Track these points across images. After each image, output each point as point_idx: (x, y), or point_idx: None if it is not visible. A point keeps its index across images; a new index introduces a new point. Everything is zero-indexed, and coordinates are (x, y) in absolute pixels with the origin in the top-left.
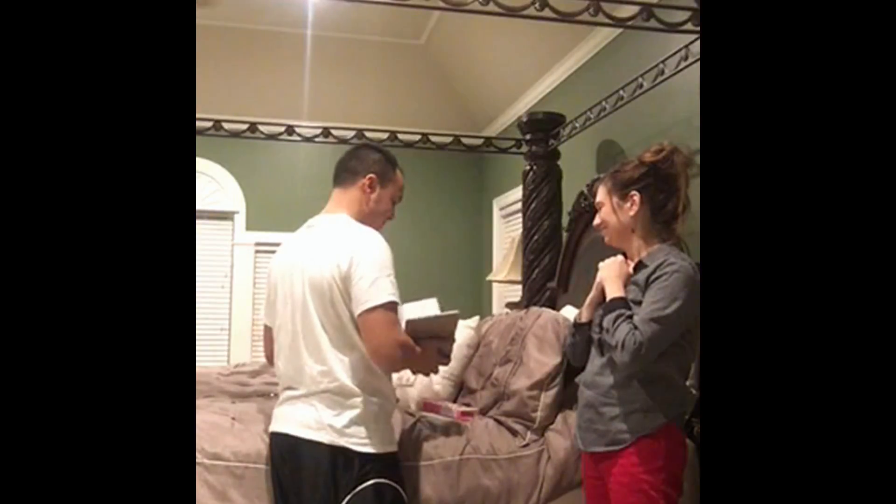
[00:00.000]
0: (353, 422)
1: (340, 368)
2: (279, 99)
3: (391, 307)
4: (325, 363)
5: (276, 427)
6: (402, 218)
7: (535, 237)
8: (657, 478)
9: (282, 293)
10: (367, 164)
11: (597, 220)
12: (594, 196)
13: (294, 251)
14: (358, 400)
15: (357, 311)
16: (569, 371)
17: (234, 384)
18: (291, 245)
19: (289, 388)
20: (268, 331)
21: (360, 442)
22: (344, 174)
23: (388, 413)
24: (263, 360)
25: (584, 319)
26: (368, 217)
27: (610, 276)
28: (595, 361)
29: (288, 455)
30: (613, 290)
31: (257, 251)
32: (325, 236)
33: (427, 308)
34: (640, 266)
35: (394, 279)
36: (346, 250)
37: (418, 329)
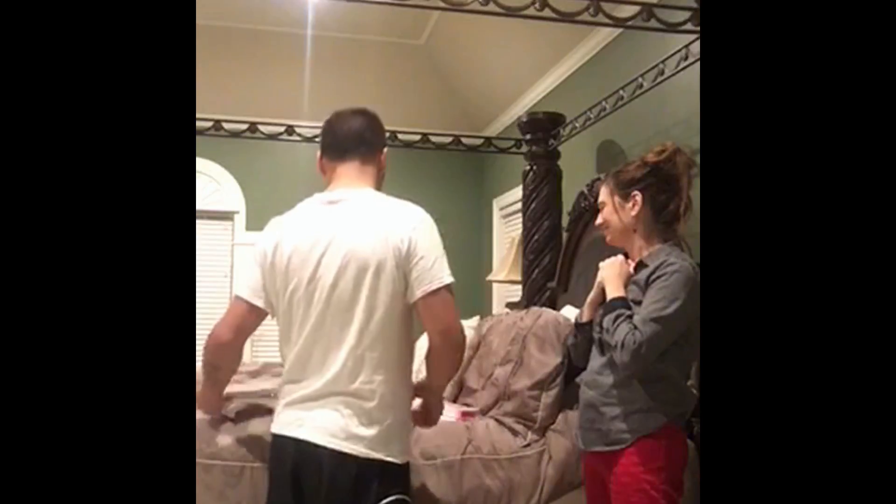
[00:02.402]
0: (385, 433)
1: (374, 366)
2: (279, 99)
3: (452, 288)
4: (359, 359)
5: (289, 432)
6: None
7: (535, 237)
8: (658, 478)
9: (300, 277)
10: (380, 135)
11: (599, 220)
12: (596, 196)
13: (320, 229)
14: (389, 409)
15: (420, 293)
16: (570, 371)
17: (234, 384)
18: (312, 222)
19: (297, 381)
20: (246, 308)
21: (388, 453)
22: (361, 147)
23: (408, 419)
24: (263, 360)
25: (585, 319)
26: (379, 184)
27: (610, 275)
28: (596, 361)
29: (306, 463)
30: (613, 290)
31: None
32: (365, 213)
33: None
34: (640, 266)
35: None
36: (401, 228)
37: None
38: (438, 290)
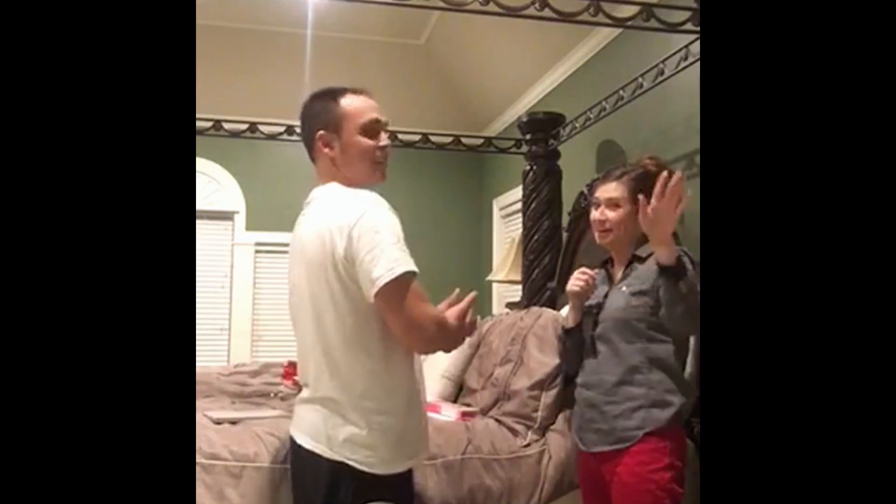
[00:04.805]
0: (355, 437)
1: (342, 371)
2: (279, 99)
3: (409, 278)
4: (326, 364)
5: (291, 429)
6: (402, 218)
7: (535, 237)
8: (663, 476)
9: (290, 283)
10: (309, 124)
11: (601, 217)
12: (594, 192)
13: (295, 233)
14: (362, 412)
15: (371, 292)
16: None
17: (234, 384)
18: (297, 228)
19: (305, 384)
20: None
21: (359, 460)
22: (309, 143)
23: (400, 429)
24: (263, 360)
25: (572, 324)
26: (352, 170)
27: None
28: (592, 361)
29: (294, 461)
30: (671, 249)
31: (257, 251)
32: (320, 211)
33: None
34: (635, 259)
35: (404, 248)
36: (344, 225)
37: None
38: (391, 284)
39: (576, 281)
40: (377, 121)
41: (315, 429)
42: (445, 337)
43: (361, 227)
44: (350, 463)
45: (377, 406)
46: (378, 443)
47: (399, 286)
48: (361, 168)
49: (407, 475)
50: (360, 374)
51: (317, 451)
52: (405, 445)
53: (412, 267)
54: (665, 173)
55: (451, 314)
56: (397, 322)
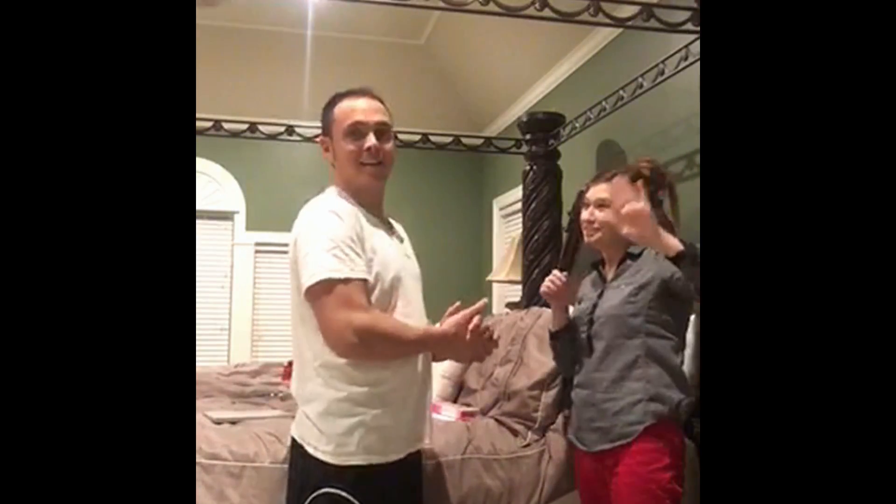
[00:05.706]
0: (314, 428)
1: (302, 361)
2: (279, 99)
3: (332, 284)
4: (298, 358)
5: None
6: (402, 218)
7: (535, 237)
8: (663, 476)
9: None
10: (322, 122)
11: (590, 217)
12: (586, 192)
13: None
14: (317, 399)
15: (302, 296)
16: None
17: (234, 384)
18: None
19: None
20: None
21: (316, 448)
22: None
23: (353, 422)
24: (263, 360)
25: (556, 328)
26: (343, 173)
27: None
28: (588, 360)
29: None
30: (666, 237)
31: (257, 251)
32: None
33: None
34: (628, 257)
35: (342, 252)
36: (295, 229)
37: None
38: (310, 289)
39: (546, 282)
40: (361, 123)
41: (297, 418)
42: (384, 347)
43: (302, 232)
44: (309, 449)
45: (322, 398)
46: (328, 433)
47: (319, 291)
48: (349, 171)
49: (374, 470)
50: (313, 369)
51: (294, 435)
52: (365, 439)
53: (337, 274)
54: (617, 179)
55: (450, 322)
56: (319, 325)
